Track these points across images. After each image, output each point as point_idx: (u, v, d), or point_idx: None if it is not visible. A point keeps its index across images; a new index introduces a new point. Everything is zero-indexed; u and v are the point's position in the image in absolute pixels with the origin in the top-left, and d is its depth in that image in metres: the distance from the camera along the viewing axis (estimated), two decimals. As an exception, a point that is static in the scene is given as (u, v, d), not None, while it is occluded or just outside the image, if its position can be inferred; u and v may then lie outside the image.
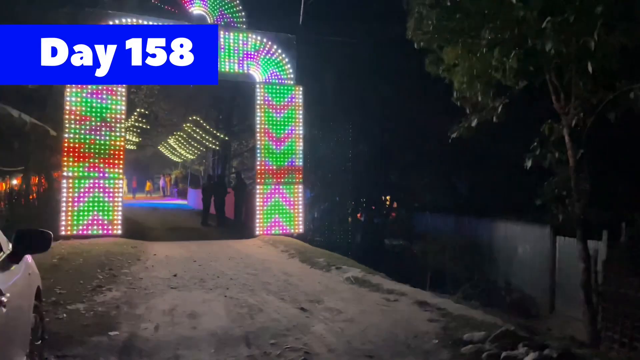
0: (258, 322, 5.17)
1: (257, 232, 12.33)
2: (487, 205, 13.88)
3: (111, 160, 11.05)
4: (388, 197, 18.24)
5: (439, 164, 15.65)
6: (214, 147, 20.46)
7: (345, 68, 14.87)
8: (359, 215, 19.63)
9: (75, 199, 10.74)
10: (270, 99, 12.52)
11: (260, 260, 9.05)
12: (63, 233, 10.58)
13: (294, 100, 12.71)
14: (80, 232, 10.72)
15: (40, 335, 3.37)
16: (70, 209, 10.71)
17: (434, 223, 15.90)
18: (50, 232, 3.11)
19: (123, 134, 11.41)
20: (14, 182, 18.83)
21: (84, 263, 7.88)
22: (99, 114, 10.96)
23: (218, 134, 18.34)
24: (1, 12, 11.12)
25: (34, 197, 17.32)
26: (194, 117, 17.98)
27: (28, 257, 3.29)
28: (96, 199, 10.89)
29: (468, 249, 12.84)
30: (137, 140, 23.17)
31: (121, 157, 11.23)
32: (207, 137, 19.35)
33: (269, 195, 12.48)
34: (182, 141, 23.17)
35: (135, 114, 17.58)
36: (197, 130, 19.09)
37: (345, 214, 18.68)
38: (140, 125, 18.41)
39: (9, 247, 3.04)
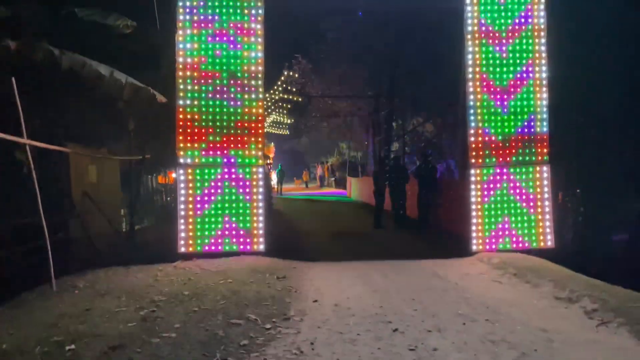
0: None
1: (475, 247, 7.43)
2: None
3: (246, 138, 7.17)
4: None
5: None
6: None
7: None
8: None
9: (198, 199, 7.08)
10: (489, 21, 7.47)
11: (532, 329, 4.09)
12: (183, 250, 7.02)
13: (529, 20, 7.46)
14: (206, 248, 7.05)
15: None
16: (190, 213, 7.08)
17: None
18: None
19: (261, 96, 7.43)
20: (174, 175, 16.73)
21: (180, 336, 3.85)
22: (226, 66, 7.15)
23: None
24: None
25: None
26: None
27: None
28: (227, 198, 7.12)
29: None
30: (288, 121, 19.80)
31: (259, 132, 7.30)
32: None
33: (491, 184, 7.48)
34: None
35: (280, 82, 13.78)
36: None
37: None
38: (291, 97, 14.61)
39: None
